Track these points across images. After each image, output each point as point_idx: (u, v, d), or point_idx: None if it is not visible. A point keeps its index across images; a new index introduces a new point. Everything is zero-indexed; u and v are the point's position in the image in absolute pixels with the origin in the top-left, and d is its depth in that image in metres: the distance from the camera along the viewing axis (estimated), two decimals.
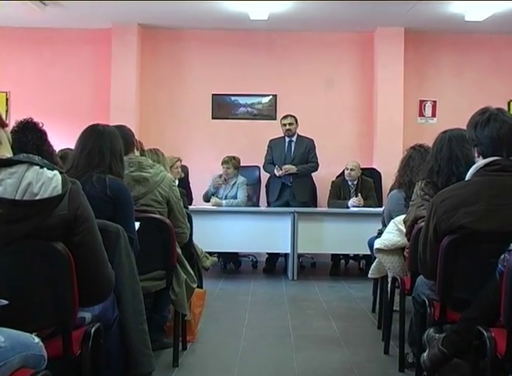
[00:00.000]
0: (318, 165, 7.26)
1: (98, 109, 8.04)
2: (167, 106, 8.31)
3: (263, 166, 7.42)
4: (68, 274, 1.97)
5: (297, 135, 7.29)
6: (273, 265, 7.27)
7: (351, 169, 7.10)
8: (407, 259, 3.49)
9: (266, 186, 7.62)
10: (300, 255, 7.16)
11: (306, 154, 7.22)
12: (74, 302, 2.01)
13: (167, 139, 8.12)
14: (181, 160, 6.44)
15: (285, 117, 7.28)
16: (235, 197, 7.06)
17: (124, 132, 3.51)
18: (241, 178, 7.18)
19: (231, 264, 7.43)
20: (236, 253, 7.34)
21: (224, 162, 7.13)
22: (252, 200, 7.56)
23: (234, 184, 7.13)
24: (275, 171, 7.11)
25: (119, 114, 7.60)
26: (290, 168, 7.08)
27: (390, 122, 7.95)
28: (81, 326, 2.21)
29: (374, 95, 8.15)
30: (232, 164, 7.14)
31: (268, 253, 7.25)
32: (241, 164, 7.38)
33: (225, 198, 7.11)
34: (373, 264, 4.31)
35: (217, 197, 7.11)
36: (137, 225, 3.03)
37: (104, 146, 2.99)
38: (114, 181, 2.90)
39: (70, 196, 1.94)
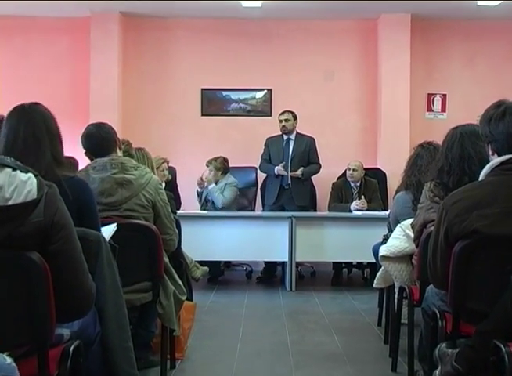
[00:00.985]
0: (320, 166, 7.29)
1: (76, 105, 8.02)
2: (152, 102, 8.30)
3: (259, 166, 7.43)
4: (44, 287, 1.95)
5: (297, 133, 7.29)
6: (271, 276, 7.26)
7: (354, 169, 7.11)
8: (415, 267, 3.49)
9: (262, 188, 7.62)
10: (298, 264, 7.17)
11: (306, 154, 7.22)
12: (51, 318, 1.99)
13: (153, 138, 8.10)
14: (168, 162, 6.44)
15: (282, 113, 7.31)
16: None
17: (104, 131, 3.50)
18: (231, 179, 7.21)
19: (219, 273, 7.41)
20: (219, 262, 7.33)
21: (206, 164, 7.21)
22: (247, 204, 7.57)
23: (223, 186, 7.15)
24: (277, 169, 7.10)
25: (99, 111, 7.60)
26: (295, 174, 7.11)
27: (395, 118, 7.97)
28: (59, 344, 2.20)
29: (378, 88, 8.17)
30: (214, 166, 7.17)
31: (265, 262, 7.24)
32: (235, 165, 7.42)
33: (212, 202, 7.17)
34: (379, 273, 4.31)
35: (205, 200, 7.16)
36: (112, 227, 3.00)
37: (38, 130, 2.55)
38: (73, 181, 2.77)
39: (47, 201, 1.93)
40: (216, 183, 7.17)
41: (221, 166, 7.20)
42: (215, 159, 7.23)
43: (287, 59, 8.30)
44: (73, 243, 2.04)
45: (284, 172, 7.08)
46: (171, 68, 8.31)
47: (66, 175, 2.63)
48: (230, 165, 7.40)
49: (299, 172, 7.08)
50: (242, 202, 7.64)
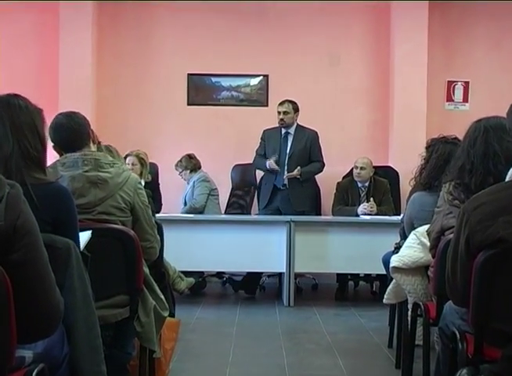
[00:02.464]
0: (324, 165, 7.28)
1: (42, 92, 7.96)
2: (131, 90, 8.29)
3: (253, 161, 7.42)
4: (4, 302, 1.94)
5: (297, 125, 7.29)
6: (252, 288, 7.23)
7: (362, 168, 7.11)
8: (432, 281, 3.49)
9: (258, 188, 7.63)
10: (297, 275, 7.17)
11: (307, 150, 7.21)
12: (11, 338, 1.98)
13: (132, 131, 8.11)
14: (142, 159, 6.44)
15: (281, 103, 7.27)
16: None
17: (76, 121, 3.48)
18: (198, 174, 7.39)
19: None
20: (202, 272, 7.36)
21: (176, 169, 7.52)
22: (243, 207, 7.59)
23: (192, 185, 7.36)
24: (268, 163, 7.10)
25: (70, 98, 7.58)
26: (292, 174, 7.08)
27: (410, 109, 7.98)
28: (20, 368, 2.18)
29: (391, 75, 8.18)
30: (181, 166, 7.46)
31: (248, 272, 7.22)
32: (227, 163, 7.49)
33: (185, 203, 7.37)
34: (390, 286, 4.31)
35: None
36: (86, 235, 2.99)
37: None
38: (52, 187, 2.76)
39: (8, 202, 1.91)
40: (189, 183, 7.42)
41: (188, 164, 7.44)
42: (180, 160, 7.48)
43: (286, 41, 8.30)
44: (39, 251, 2.03)
45: (276, 167, 7.06)
46: (152, 50, 8.30)
47: (41, 178, 2.61)
48: (220, 162, 7.41)
49: (296, 172, 7.05)
50: (236, 203, 7.68)
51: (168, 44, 8.30)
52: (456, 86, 8.35)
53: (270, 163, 7.09)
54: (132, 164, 6.46)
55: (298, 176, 7.08)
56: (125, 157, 6.40)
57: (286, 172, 7.12)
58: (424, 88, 8.01)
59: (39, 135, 2.62)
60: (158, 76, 8.30)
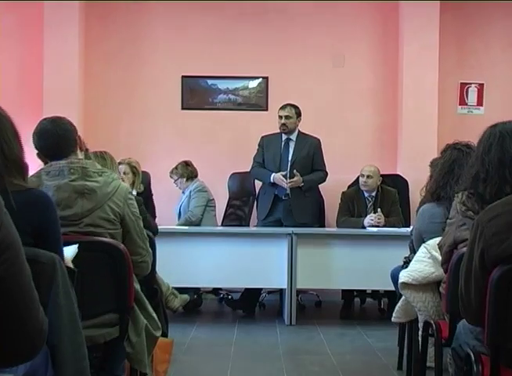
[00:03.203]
0: (327, 174, 7.28)
1: (26, 95, 8.02)
2: (121, 93, 8.30)
3: (250, 170, 7.40)
4: None
5: (299, 132, 7.29)
6: (251, 305, 7.21)
7: (368, 176, 7.11)
8: (444, 297, 3.48)
9: (257, 198, 7.62)
10: (300, 292, 7.16)
11: (309, 159, 7.20)
12: None
13: (122, 137, 8.11)
14: (134, 168, 6.43)
15: (283, 107, 7.24)
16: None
17: (62, 127, 3.47)
18: (196, 184, 7.39)
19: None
20: (198, 289, 7.35)
21: (170, 176, 7.53)
22: (242, 218, 7.58)
23: (188, 195, 7.36)
24: (273, 177, 7.06)
25: (55, 102, 7.60)
26: (296, 182, 7.05)
27: (420, 113, 7.99)
28: None
29: (399, 76, 8.19)
30: (176, 174, 7.46)
31: (247, 288, 7.20)
32: (224, 171, 7.47)
33: (179, 215, 7.38)
34: (399, 304, 4.31)
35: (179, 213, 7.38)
36: (73, 249, 2.98)
37: None
38: (31, 194, 2.75)
39: None
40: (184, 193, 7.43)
41: (184, 171, 7.43)
42: (175, 167, 7.48)
43: (287, 41, 8.32)
44: (21, 266, 2.02)
45: (283, 184, 7.04)
46: (144, 51, 8.31)
47: (20, 185, 2.60)
48: (217, 170, 7.41)
49: (297, 179, 7.03)
50: (233, 214, 7.68)
51: (161, 44, 8.31)
52: (470, 88, 8.36)
53: (277, 178, 7.03)
54: (124, 173, 6.47)
55: (301, 185, 7.07)
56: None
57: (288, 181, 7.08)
58: (435, 91, 8.01)
59: (19, 140, 2.59)
60: (150, 78, 8.31)
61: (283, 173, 7.05)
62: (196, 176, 7.47)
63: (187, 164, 7.46)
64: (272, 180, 7.10)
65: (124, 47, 8.30)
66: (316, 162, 7.24)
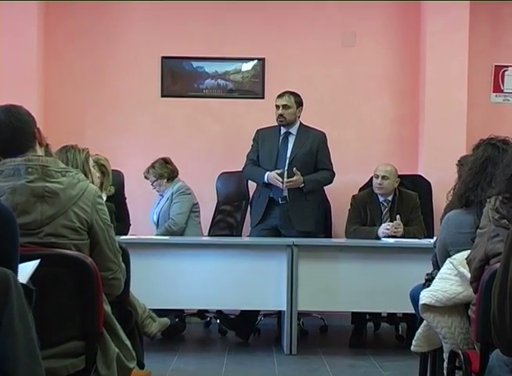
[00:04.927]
0: (333, 174, 7.27)
1: None
2: (88, 77, 8.30)
3: (243, 168, 7.39)
4: None
5: (300, 124, 7.29)
6: (245, 331, 7.21)
7: (384, 177, 7.10)
8: (474, 323, 3.49)
9: (250, 203, 7.61)
10: (302, 315, 7.18)
11: (313, 156, 7.19)
12: None
13: (88, 129, 8.11)
14: (102, 166, 6.44)
15: (280, 95, 7.24)
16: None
17: (18, 117, 3.46)
18: (177, 185, 7.38)
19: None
20: (181, 311, 7.36)
21: (145, 177, 7.51)
22: (233, 226, 7.58)
23: (169, 198, 7.35)
24: (268, 176, 7.06)
25: (11, 88, 7.58)
26: (295, 182, 7.03)
27: (446, 101, 8.00)
28: None
29: (421, 58, 8.20)
30: (154, 174, 7.42)
31: (240, 311, 7.21)
32: (212, 171, 7.44)
33: (157, 220, 7.37)
34: (419, 330, 4.30)
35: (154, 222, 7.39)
36: (31, 267, 2.98)
37: None
38: None
39: None
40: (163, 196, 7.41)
41: (163, 170, 7.38)
42: (152, 165, 7.42)
43: (288, 17, 8.32)
44: None
45: (279, 183, 7.01)
46: (116, 27, 8.31)
47: None
48: (203, 169, 7.39)
49: (297, 178, 7.01)
50: (223, 221, 7.68)
51: (136, 19, 8.30)
52: (507, 72, 8.37)
53: (271, 176, 7.01)
54: None
55: (302, 185, 7.06)
56: None
57: (285, 180, 7.05)
58: (465, 75, 8.03)
59: None
60: (123, 60, 8.31)
61: (279, 171, 7.04)
62: (176, 176, 7.46)
63: (166, 161, 7.43)
64: (266, 180, 7.09)
65: (91, 23, 8.28)
66: (321, 160, 7.22)
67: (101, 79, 8.30)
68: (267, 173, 7.08)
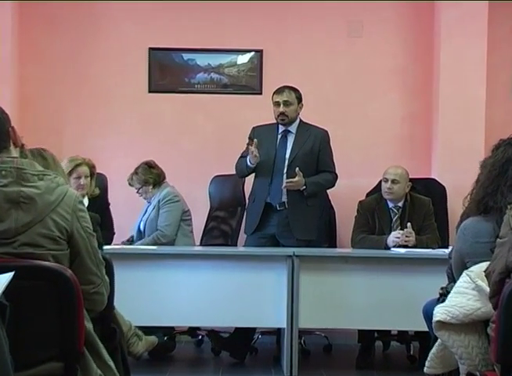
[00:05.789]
0: (336, 177, 7.26)
1: None
2: (68, 70, 8.31)
3: (235, 165, 7.34)
4: None
5: (300, 121, 7.28)
6: (241, 350, 7.21)
7: (394, 181, 7.10)
8: (493, 341, 3.49)
9: (246, 208, 7.60)
10: (303, 332, 7.18)
11: (314, 156, 7.17)
12: None
13: (70, 129, 8.10)
14: (92, 166, 6.44)
15: (279, 90, 7.21)
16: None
17: None
18: (164, 191, 7.34)
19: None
20: (170, 328, 7.35)
21: (129, 184, 7.46)
22: (227, 234, 7.58)
23: (156, 206, 7.32)
24: (248, 157, 7.01)
25: None
26: (296, 183, 6.99)
27: (462, 98, 8.01)
28: None
29: (435, 49, 8.22)
30: (138, 181, 7.37)
31: (235, 328, 7.20)
32: (204, 174, 7.44)
33: (141, 233, 7.35)
34: (433, 349, 4.29)
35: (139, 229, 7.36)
36: (5, 278, 2.97)
37: None
38: None
39: None
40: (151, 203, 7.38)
41: (148, 176, 7.34)
42: (135, 171, 7.37)
43: (288, 5, 8.33)
44: None
45: (255, 156, 6.93)
46: (99, 16, 8.31)
47: None
48: (195, 172, 7.38)
49: (298, 179, 6.95)
50: (216, 228, 7.68)
51: (121, 6, 8.30)
52: None
53: (250, 149, 6.96)
54: (85, 177, 6.50)
55: (303, 188, 7.04)
56: (74, 167, 6.43)
57: (285, 180, 7.01)
58: (483, 69, 8.04)
59: None
60: (107, 51, 8.32)
61: (255, 141, 6.96)
62: (163, 180, 7.43)
63: (150, 165, 7.37)
64: (249, 162, 7.03)
65: (71, 10, 8.28)
66: (322, 161, 7.20)
67: (82, 73, 8.30)
68: (248, 157, 7.04)
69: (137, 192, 7.39)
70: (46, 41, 8.28)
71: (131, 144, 8.19)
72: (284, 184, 6.99)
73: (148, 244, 7.12)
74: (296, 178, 6.95)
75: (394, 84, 8.36)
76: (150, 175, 7.31)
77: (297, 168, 6.94)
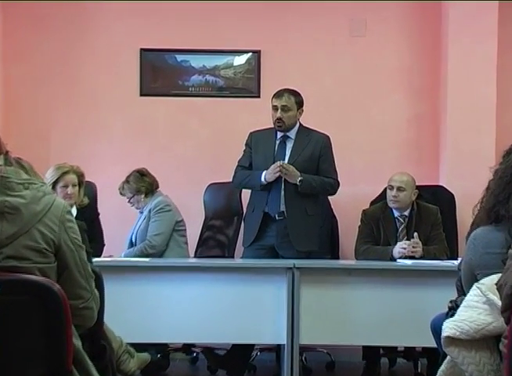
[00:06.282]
0: (338, 184, 7.22)
1: None
2: (55, 72, 8.32)
3: (233, 177, 7.32)
4: None
5: (300, 126, 7.26)
6: (238, 368, 7.19)
7: (399, 188, 7.10)
8: (506, 358, 3.48)
9: (244, 219, 7.60)
10: (304, 349, 7.18)
11: (314, 162, 7.15)
12: None
13: (56, 133, 8.11)
14: (81, 174, 6.44)
15: (278, 94, 7.15)
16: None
17: None
18: (156, 200, 7.32)
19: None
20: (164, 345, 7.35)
21: (121, 193, 7.44)
22: (224, 245, 7.58)
23: (147, 216, 7.32)
24: (269, 171, 6.95)
25: None
26: (291, 173, 6.91)
27: (472, 100, 8.02)
28: None
29: (443, 48, 8.24)
30: (130, 190, 7.36)
31: (233, 345, 7.20)
32: (199, 181, 7.43)
33: (135, 240, 7.34)
34: (442, 366, 4.28)
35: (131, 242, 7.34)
36: None
37: None
38: None
39: None
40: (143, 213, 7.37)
41: (140, 184, 7.32)
42: (126, 180, 7.36)
43: (287, 3, 8.34)
44: None
45: (277, 172, 6.89)
46: (87, 15, 8.34)
47: None
48: (189, 180, 7.37)
49: (293, 168, 6.90)
50: (212, 239, 7.68)
51: (111, 5, 8.32)
52: None
53: (271, 169, 6.91)
54: (73, 186, 6.50)
55: (299, 179, 6.93)
56: (61, 175, 6.44)
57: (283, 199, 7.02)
58: (493, 68, 8.04)
59: None
60: (96, 53, 8.33)
61: (281, 162, 6.89)
62: (156, 189, 7.43)
63: (142, 173, 7.35)
64: (264, 179, 6.99)
65: (58, 9, 8.30)
66: (323, 168, 7.16)
67: (70, 75, 8.31)
68: (264, 172, 7.00)
69: (128, 201, 7.38)
70: (32, 40, 8.28)
71: (122, 150, 8.20)
72: (277, 168, 6.89)
73: (136, 255, 7.09)
74: (291, 168, 6.91)
75: (399, 84, 8.37)
76: (142, 184, 7.29)
77: (291, 167, 6.90)
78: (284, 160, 7.10)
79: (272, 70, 8.24)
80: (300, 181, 6.94)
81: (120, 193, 7.38)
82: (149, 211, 7.26)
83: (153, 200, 7.32)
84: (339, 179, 7.21)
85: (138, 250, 7.16)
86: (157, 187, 7.40)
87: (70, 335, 3.42)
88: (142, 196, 7.29)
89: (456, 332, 3.89)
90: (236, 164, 7.31)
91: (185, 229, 7.47)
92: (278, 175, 6.91)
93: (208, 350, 7.42)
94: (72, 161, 6.82)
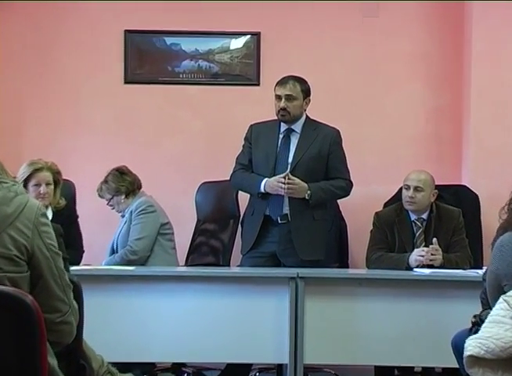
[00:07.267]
0: (351, 185, 7.21)
1: None
2: (30, 57, 8.36)
3: (231, 176, 7.32)
4: None
5: (307, 118, 7.25)
6: None
7: (417, 188, 7.10)
8: None
9: (241, 222, 7.59)
10: (309, 369, 7.17)
11: (323, 160, 7.14)
12: None
13: (30, 126, 8.12)
14: (57, 173, 6.44)
15: (282, 82, 7.13)
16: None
17: None
18: (137, 202, 7.29)
19: None
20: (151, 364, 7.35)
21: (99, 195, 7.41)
22: (220, 254, 7.59)
23: (129, 219, 7.30)
24: (270, 183, 6.91)
25: None
26: (298, 187, 6.87)
27: (498, 89, 8.05)
28: None
29: (466, 32, 8.25)
30: (108, 190, 7.32)
31: (229, 364, 7.20)
32: (191, 180, 7.42)
33: (117, 246, 7.30)
34: None
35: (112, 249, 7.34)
36: None
37: None
38: None
39: None
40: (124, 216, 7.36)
41: (120, 184, 7.29)
42: (105, 180, 7.31)
43: None
44: None
45: (281, 191, 6.88)
46: None
47: None
48: (180, 178, 7.38)
49: (298, 182, 6.87)
50: (205, 245, 7.68)
51: None
52: None
53: (272, 183, 6.86)
54: (46, 184, 6.48)
55: (307, 194, 6.92)
56: (32, 172, 6.43)
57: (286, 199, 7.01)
58: None
59: None
60: (75, 36, 8.36)
61: (284, 174, 6.86)
62: (139, 189, 7.39)
63: (121, 172, 7.31)
64: (263, 189, 6.98)
65: None
66: (333, 166, 7.15)
67: (46, 61, 8.34)
68: (264, 180, 6.98)
69: (108, 204, 7.33)
70: (4, 23, 8.28)
71: (104, 146, 8.21)
72: (284, 190, 6.85)
73: (117, 263, 7.04)
74: (296, 181, 6.85)
75: (416, 72, 8.39)
76: (122, 183, 7.23)
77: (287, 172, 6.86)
78: (288, 156, 7.09)
79: (273, 55, 8.25)
80: (308, 195, 6.92)
81: (99, 195, 7.34)
82: (131, 213, 7.23)
83: (135, 201, 7.28)
84: (351, 178, 7.17)
85: (119, 256, 7.10)
86: (140, 187, 7.35)
87: (44, 353, 3.42)
88: (123, 197, 7.24)
89: (480, 351, 3.89)
90: (235, 161, 7.29)
91: (173, 233, 7.43)
92: (281, 192, 6.87)
93: (200, 371, 7.42)
94: (48, 158, 6.82)
